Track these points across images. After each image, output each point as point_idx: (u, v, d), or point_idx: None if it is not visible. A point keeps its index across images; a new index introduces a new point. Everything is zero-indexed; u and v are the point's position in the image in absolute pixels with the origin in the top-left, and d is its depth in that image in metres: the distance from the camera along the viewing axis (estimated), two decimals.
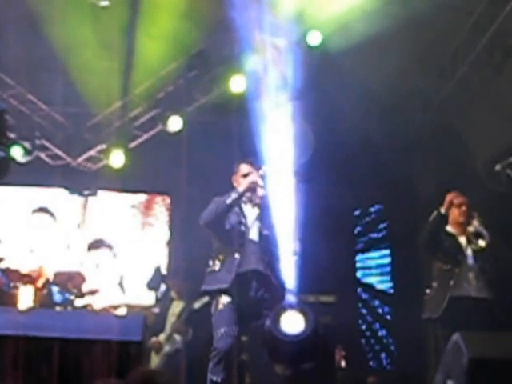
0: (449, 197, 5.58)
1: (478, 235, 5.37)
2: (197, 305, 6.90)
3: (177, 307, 7.28)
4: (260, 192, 5.20)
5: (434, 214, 5.51)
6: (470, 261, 5.43)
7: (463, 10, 7.30)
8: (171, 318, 7.23)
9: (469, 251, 5.46)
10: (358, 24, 6.92)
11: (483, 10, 7.25)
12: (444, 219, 5.51)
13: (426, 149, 8.85)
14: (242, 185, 5.20)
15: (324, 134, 7.69)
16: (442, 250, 5.50)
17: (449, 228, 5.62)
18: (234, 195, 5.13)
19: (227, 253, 5.08)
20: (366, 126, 8.39)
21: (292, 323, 4.66)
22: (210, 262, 5.16)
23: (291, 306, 4.74)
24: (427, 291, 5.57)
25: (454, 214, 5.57)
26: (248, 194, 5.23)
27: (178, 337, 7.14)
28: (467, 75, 7.89)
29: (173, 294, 7.46)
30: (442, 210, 5.50)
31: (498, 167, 4.96)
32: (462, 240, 5.53)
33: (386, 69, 7.60)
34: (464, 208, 5.56)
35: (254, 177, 5.20)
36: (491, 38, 7.30)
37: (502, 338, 4.02)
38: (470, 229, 5.43)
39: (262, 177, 5.18)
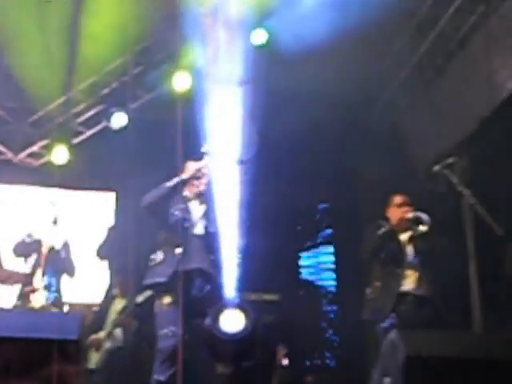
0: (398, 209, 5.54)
1: (417, 221, 5.36)
2: (140, 298, 6.80)
3: (119, 304, 7.19)
4: (205, 177, 5.18)
5: (384, 229, 5.44)
6: (411, 258, 5.44)
7: (407, 13, 7.39)
8: (112, 316, 7.14)
9: (409, 249, 5.47)
10: (306, 24, 6.96)
11: (426, 13, 7.36)
12: (394, 234, 5.49)
13: (371, 150, 8.95)
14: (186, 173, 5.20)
15: (271, 132, 7.70)
16: (383, 253, 5.45)
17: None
18: (176, 179, 5.12)
19: (169, 247, 5.06)
20: (312, 125, 8.44)
21: (231, 322, 4.66)
22: (153, 256, 5.14)
23: (231, 305, 4.74)
24: (367, 290, 5.54)
25: (395, 213, 5.57)
26: (195, 183, 5.21)
27: (119, 333, 7.05)
28: (410, 77, 8.02)
29: (116, 291, 7.37)
30: (394, 226, 5.45)
31: (436, 168, 5.01)
32: (403, 237, 5.54)
33: (331, 69, 7.66)
34: (405, 208, 5.56)
35: (199, 164, 5.20)
36: (433, 41, 7.42)
37: (438, 335, 4.07)
38: (409, 215, 5.40)
39: (206, 154, 5.15)
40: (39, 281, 6.22)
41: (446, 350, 3.81)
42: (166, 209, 5.15)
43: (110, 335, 7.01)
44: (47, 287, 6.28)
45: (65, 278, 6.51)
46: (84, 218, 8.92)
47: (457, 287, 5.75)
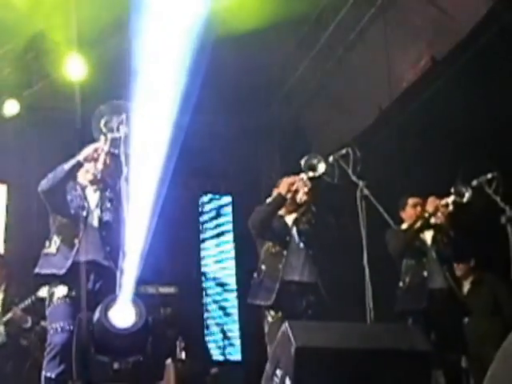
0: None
1: (311, 166, 5.23)
2: (42, 292, 6.52)
3: None
4: (102, 160, 4.95)
5: (275, 194, 5.31)
6: (297, 242, 5.36)
7: (307, 3, 7.37)
8: None
9: (294, 231, 5.40)
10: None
11: (326, 4, 7.37)
12: (284, 201, 5.36)
13: (272, 142, 8.99)
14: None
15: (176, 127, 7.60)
16: (271, 231, 5.31)
17: None
18: (73, 161, 4.87)
19: (66, 236, 4.85)
20: (215, 118, 8.41)
21: (121, 316, 4.52)
22: (47, 244, 4.91)
23: (122, 298, 4.59)
24: (254, 275, 5.46)
25: (281, 186, 5.42)
26: (89, 170, 4.99)
27: (1, 329, 6.78)
28: (310, 69, 8.03)
29: None
30: (283, 192, 5.34)
31: (331, 158, 5.00)
32: (289, 220, 5.46)
33: (233, 62, 7.60)
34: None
35: (97, 144, 4.96)
36: (333, 32, 7.44)
37: (328, 326, 4.06)
38: (301, 163, 5.26)
39: (116, 140, 4.93)
40: None
41: (336, 341, 3.82)
42: (62, 194, 4.90)
43: None
44: None
45: None
46: None
47: (353, 278, 5.77)
